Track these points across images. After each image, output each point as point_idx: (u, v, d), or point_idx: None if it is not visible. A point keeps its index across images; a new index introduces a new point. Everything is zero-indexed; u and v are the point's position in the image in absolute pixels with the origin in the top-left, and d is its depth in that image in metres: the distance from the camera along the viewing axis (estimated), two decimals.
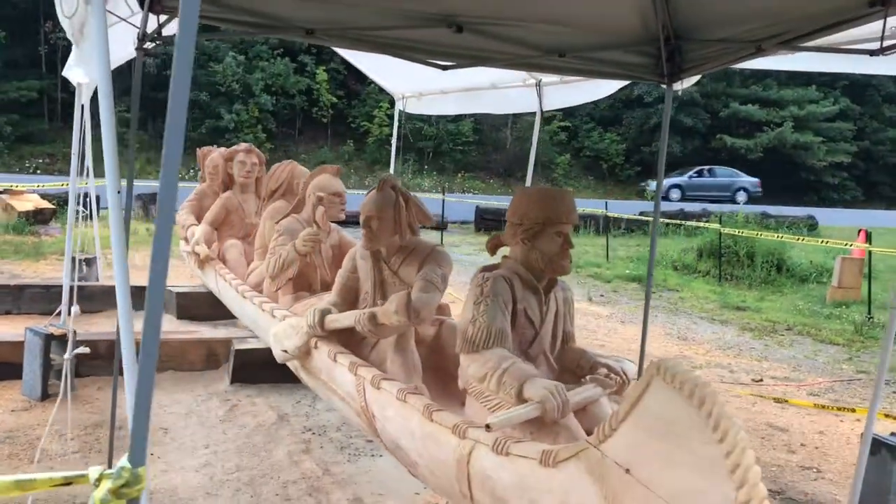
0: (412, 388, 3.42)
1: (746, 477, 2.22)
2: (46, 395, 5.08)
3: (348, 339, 4.08)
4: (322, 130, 40.81)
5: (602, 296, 10.75)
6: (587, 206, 17.13)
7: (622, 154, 45.03)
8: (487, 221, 17.59)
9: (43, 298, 7.34)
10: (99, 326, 6.92)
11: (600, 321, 8.93)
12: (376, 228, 3.92)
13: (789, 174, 43.64)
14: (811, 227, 18.88)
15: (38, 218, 12.49)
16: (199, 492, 3.92)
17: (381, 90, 12.01)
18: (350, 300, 4.20)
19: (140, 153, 35.68)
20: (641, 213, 17.46)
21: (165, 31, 3.71)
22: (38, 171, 32.32)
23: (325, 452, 4.52)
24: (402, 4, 3.80)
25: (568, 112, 45.70)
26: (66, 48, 36.63)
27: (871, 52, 3.34)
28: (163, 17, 3.53)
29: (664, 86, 4.68)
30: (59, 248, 10.60)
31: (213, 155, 7.13)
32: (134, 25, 3.53)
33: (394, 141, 9.17)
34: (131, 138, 3.69)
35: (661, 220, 16.54)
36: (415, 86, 8.33)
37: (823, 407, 5.23)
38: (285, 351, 4.31)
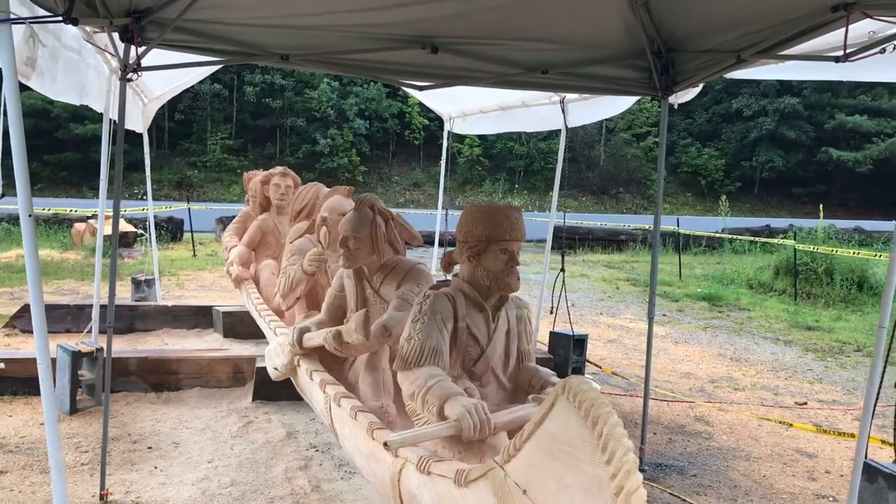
0: (370, 407, 3.45)
1: (629, 501, 2.15)
2: (75, 410, 5.34)
3: (333, 358, 4.14)
4: (414, 152, 41.47)
5: (665, 315, 10.47)
6: (680, 223, 16.65)
7: (721, 169, 43.80)
8: (560, 240, 17.36)
9: (101, 318, 7.73)
10: (147, 344, 7.24)
11: (654, 341, 8.68)
12: (353, 248, 3.97)
13: None
14: None
15: (121, 241, 13.14)
16: None
17: None
18: (337, 318, 4.26)
19: (239, 178, 37.10)
20: (723, 231, 16.93)
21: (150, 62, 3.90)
22: (144, 197, 33.95)
23: (323, 469, 4.58)
24: (375, 28, 3.87)
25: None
26: None
27: (837, 59, 3.20)
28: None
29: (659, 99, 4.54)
30: (137, 270, 11.15)
31: (255, 178, 7.36)
32: (112, 54, 3.72)
33: (443, 162, 9.27)
34: (118, 161, 3.86)
35: (741, 237, 15.99)
36: (458, 106, 8.43)
37: (825, 431, 4.94)
38: (276, 368, 4.41)
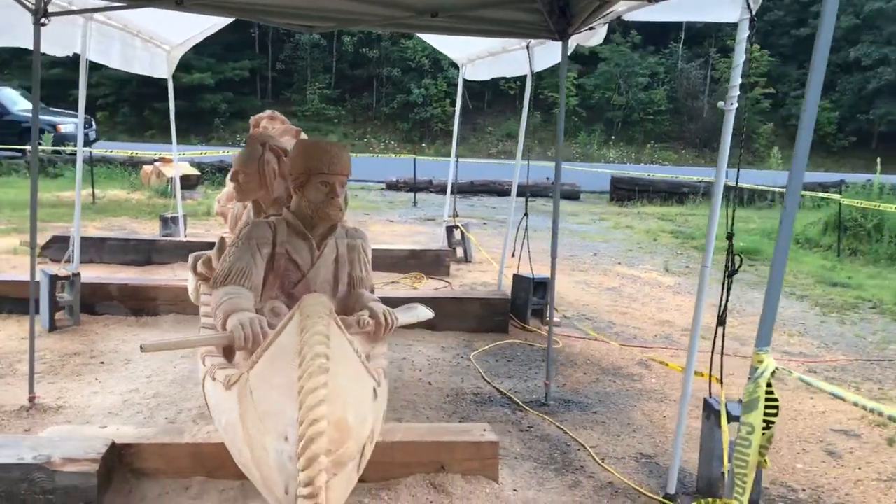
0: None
1: (305, 399, 2.40)
2: (54, 328, 5.91)
3: None
4: (510, 103, 41.18)
5: (688, 266, 10.33)
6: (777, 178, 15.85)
7: (835, 122, 41.53)
8: (621, 191, 17.17)
9: (121, 250, 8.40)
10: (159, 275, 7.82)
11: (655, 290, 8.67)
12: (242, 181, 4.27)
13: None
14: None
15: (185, 183, 13.91)
16: (103, 411, 4.49)
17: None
18: None
19: (336, 127, 38.11)
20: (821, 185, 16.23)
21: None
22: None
23: None
24: None
25: (775, 78, 42.79)
26: (276, 30, 39.73)
27: None
28: None
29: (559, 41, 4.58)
30: (190, 211, 11.84)
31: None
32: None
33: (457, 109, 9.41)
34: (35, 102, 4.26)
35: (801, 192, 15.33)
36: (466, 53, 8.53)
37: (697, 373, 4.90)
38: (191, 293, 4.79)
